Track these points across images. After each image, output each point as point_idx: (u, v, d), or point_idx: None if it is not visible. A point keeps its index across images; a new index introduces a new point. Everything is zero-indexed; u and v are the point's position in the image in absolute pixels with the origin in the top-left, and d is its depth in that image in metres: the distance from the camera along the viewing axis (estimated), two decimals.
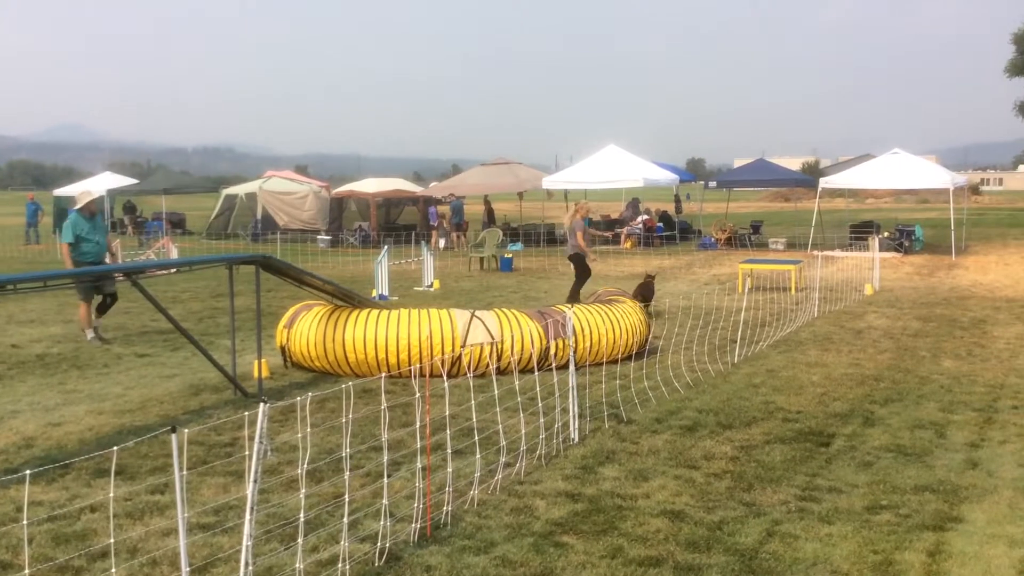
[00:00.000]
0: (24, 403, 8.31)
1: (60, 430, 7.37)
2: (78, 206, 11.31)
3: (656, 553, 4.85)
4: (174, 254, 22.75)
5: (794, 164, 65.00)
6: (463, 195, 30.43)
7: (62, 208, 37.43)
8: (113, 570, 4.09)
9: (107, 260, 11.46)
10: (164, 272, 11.11)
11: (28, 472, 3.65)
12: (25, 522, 3.83)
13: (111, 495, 4.22)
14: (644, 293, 13.07)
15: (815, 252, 21.47)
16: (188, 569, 3.84)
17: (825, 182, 26.26)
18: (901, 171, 24.41)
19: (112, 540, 4.28)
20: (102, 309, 11.57)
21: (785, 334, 11.50)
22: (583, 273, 14.11)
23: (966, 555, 4.82)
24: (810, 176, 39.04)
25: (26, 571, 3.94)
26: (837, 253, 22.46)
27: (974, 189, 65.41)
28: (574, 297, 13.58)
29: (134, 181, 40.50)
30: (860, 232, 24.22)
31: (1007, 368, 9.41)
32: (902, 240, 24.37)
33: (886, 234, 24.60)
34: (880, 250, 18.16)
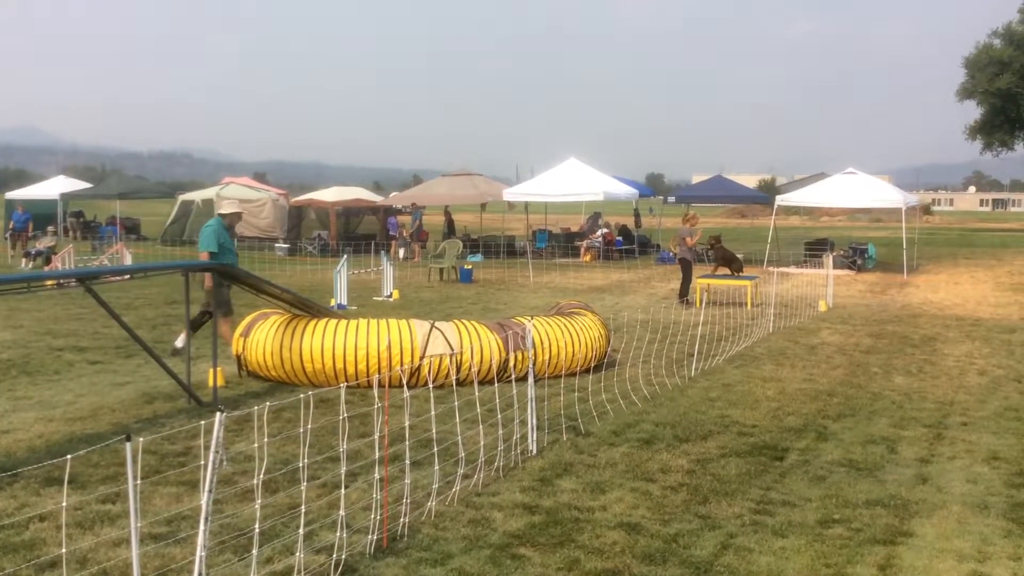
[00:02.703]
0: None
1: (9, 437, 7.21)
2: (223, 211, 10.56)
3: (612, 565, 4.87)
4: (128, 260, 22.40)
5: (751, 181, 65.96)
6: (423, 206, 30.39)
7: (12, 211, 36.72)
8: None
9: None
10: (118, 278, 10.93)
11: None
12: None
13: (63, 504, 4.14)
14: (726, 257, 17.22)
15: (771, 268, 21.76)
16: None
17: (781, 199, 26.65)
18: (855, 190, 24.84)
19: (64, 550, 4.20)
20: (195, 326, 10.28)
21: (741, 349, 11.63)
22: (687, 273, 16.81)
23: (916, 569, 4.91)
24: (766, 194, 39.61)
25: None
26: (792, 270, 22.78)
27: (926, 209, 66.82)
28: (683, 293, 16.79)
29: (88, 185, 39.84)
30: (814, 249, 24.60)
31: (956, 385, 9.61)
32: (855, 258, 24.78)
33: (840, 252, 25.01)
34: (834, 267, 18.45)
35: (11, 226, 29.89)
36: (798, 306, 15.40)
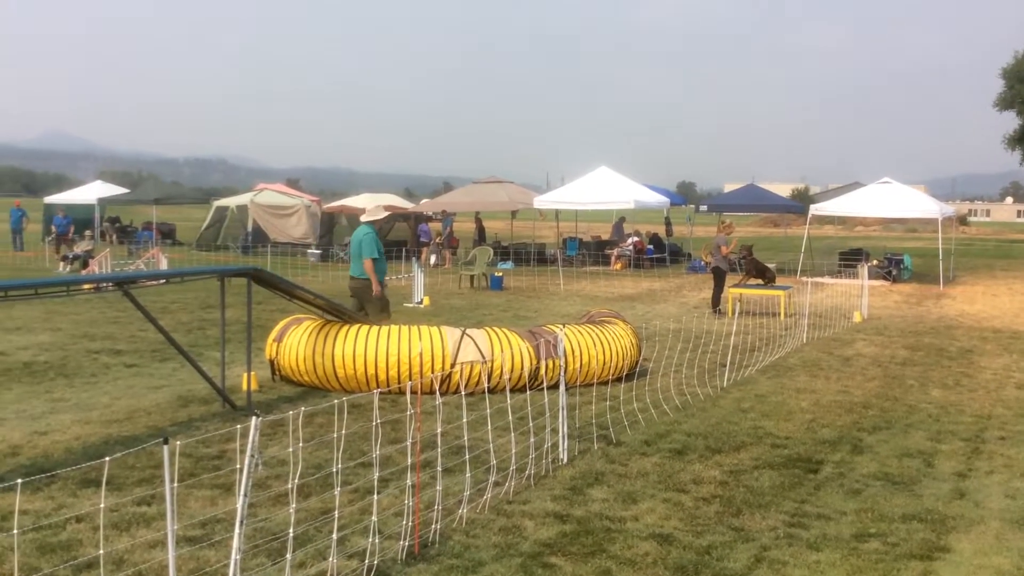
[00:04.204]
0: (10, 411, 8.25)
1: (46, 439, 7.32)
2: (372, 219, 10.92)
3: None
4: (164, 265, 22.69)
5: (784, 190, 65.40)
6: (454, 212, 30.46)
7: (53, 216, 37.38)
8: None
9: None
10: (154, 283, 11.06)
11: (20, 481, 3.62)
12: (16, 531, 3.80)
13: (101, 506, 4.19)
14: (758, 268, 17.19)
15: (804, 278, 21.57)
16: None
17: (815, 209, 26.41)
18: (891, 200, 24.58)
19: (101, 551, 4.25)
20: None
21: (774, 359, 11.53)
22: (720, 283, 16.68)
23: None
24: (800, 203, 39.27)
25: None
26: (826, 280, 22.56)
27: (962, 220, 65.91)
28: (715, 302, 16.56)
29: (125, 190, 40.40)
30: (849, 260, 24.35)
31: (994, 399, 9.46)
32: (891, 268, 24.51)
33: (875, 262, 24.74)
34: (869, 278, 18.25)
35: (53, 230, 30.67)
36: (832, 317, 15.24)
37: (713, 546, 5.27)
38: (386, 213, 11.66)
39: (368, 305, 10.67)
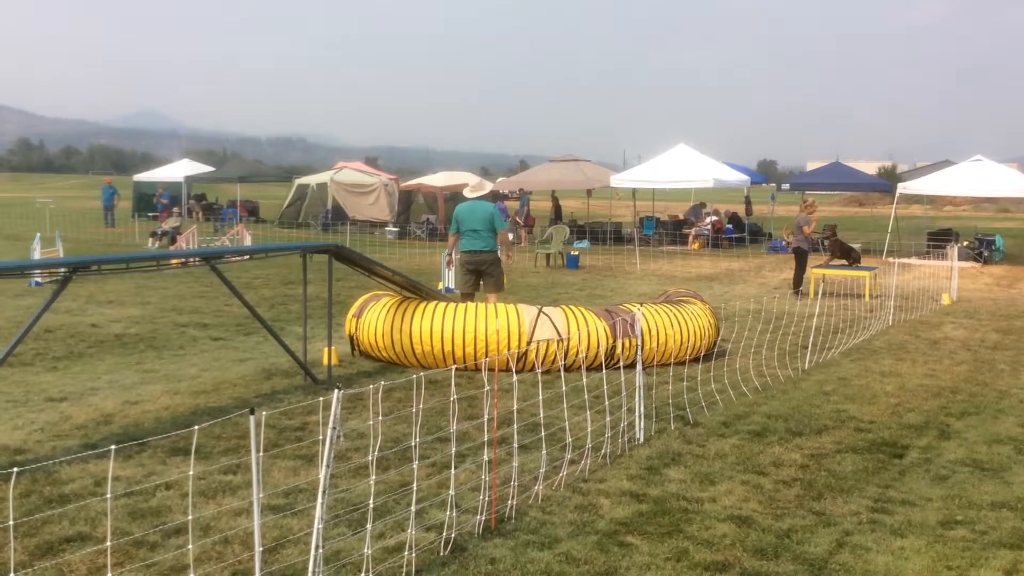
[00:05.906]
0: (103, 381, 8.58)
1: (137, 408, 7.59)
2: (480, 194, 11.26)
3: (722, 558, 4.79)
4: (248, 241, 23.24)
5: (870, 168, 63.51)
6: (531, 191, 30.43)
7: (142, 193, 38.64)
8: (190, 546, 4.19)
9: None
10: (239, 258, 11.34)
11: (112, 448, 3.76)
12: (109, 496, 3.95)
13: (190, 473, 4.33)
14: (843, 249, 16.72)
15: (891, 259, 20.97)
16: (261, 549, 3.91)
17: (903, 187, 25.60)
18: (982, 179, 23.67)
19: (190, 518, 4.39)
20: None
21: (858, 342, 11.25)
22: (802, 263, 16.25)
23: None
24: (887, 181, 38.13)
25: (107, 543, 4.06)
26: (913, 261, 21.90)
27: None
28: (796, 283, 16.17)
29: (211, 168, 41.43)
30: (938, 240, 23.58)
31: None
32: (981, 250, 23.66)
33: (965, 243, 23.91)
34: (958, 259, 17.66)
35: (159, 199, 33.57)
36: (919, 299, 14.79)
37: (793, 529, 5.19)
38: (490, 188, 11.92)
39: (491, 280, 10.81)
